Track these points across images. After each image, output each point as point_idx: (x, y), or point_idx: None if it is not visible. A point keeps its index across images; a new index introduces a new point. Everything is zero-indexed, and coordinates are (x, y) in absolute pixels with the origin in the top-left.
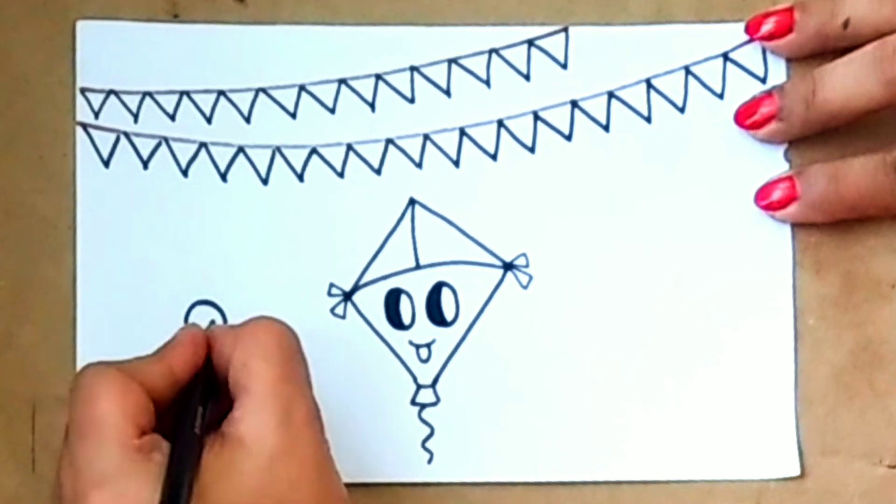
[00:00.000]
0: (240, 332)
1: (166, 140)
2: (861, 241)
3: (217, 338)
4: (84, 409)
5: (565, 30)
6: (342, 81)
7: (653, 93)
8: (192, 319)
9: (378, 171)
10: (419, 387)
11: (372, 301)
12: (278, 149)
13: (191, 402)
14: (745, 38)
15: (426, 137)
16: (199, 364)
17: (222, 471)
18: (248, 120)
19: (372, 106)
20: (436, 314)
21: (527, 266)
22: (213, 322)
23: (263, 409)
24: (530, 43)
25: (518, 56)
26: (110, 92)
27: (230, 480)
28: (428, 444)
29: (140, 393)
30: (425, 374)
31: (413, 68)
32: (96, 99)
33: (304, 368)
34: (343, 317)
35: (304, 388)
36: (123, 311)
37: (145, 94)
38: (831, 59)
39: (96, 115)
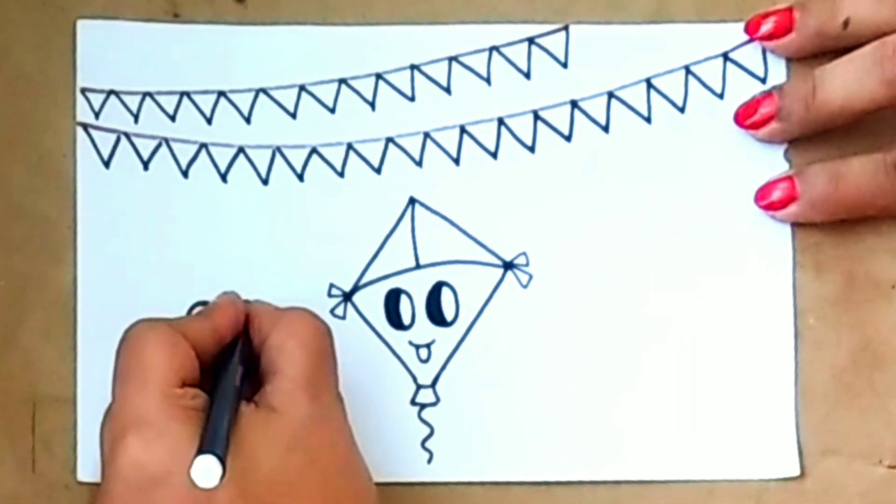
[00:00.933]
0: (280, 315)
1: (167, 140)
2: (861, 241)
3: (257, 314)
4: (130, 356)
5: (566, 28)
6: (342, 81)
7: (653, 92)
8: None
9: (378, 171)
10: (419, 387)
11: (372, 301)
12: (278, 149)
13: (231, 358)
14: (746, 37)
15: (426, 136)
16: (240, 327)
17: (258, 426)
18: (248, 120)
19: (372, 105)
20: (436, 314)
21: (527, 265)
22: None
23: (295, 388)
24: (531, 41)
25: (518, 54)
26: (111, 92)
27: (265, 436)
28: (428, 444)
29: (186, 347)
30: (425, 374)
31: (413, 67)
32: (97, 99)
33: (335, 366)
34: (343, 317)
35: (333, 380)
36: (123, 311)
37: (146, 94)
38: (831, 59)
39: (97, 115)
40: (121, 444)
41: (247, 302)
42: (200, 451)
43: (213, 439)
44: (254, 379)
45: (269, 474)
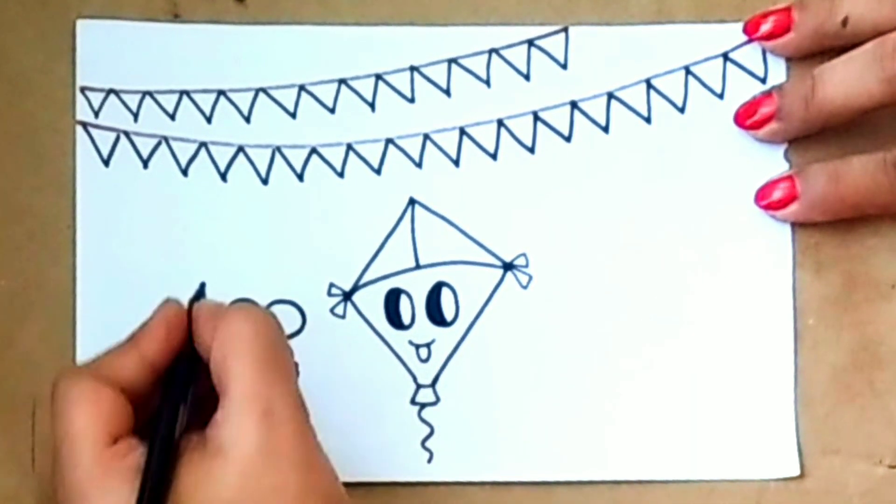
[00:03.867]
0: (218, 321)
1: (166, 139)
2: (861, 241)
3: (197, 320)
4: (58, 422)
5: (565, 30)
6: (342, 81)
7: (653, 93)
8: None
9: (378, 171)
10: (419, 386)
11: (372, 301)
12: (278, 149)
13: (165, 402)
14: (745, 38)
15: (426, 137)
16: (176, 346)
17: (200, 479)
18: (248, 120)
19: (372, 106)
20: (436, 314)
21: (527, 266)
22: (201, 295)
23: (242, 412)
24: (530, 43)
25: (518, 56)
26: (110, 91)
27: (208, 489)
28: (428, 444)
29: (111, 397)
30: (425, 373)
31: (413, 68)
32: (96, 98)
33: (285, 358)
34: (343, 317)
35: (285, 379)
36: (123, 310)
37: (145, 93)
38: (831, 58)
39: (96, 114)
40: None
41: (190, 303)
42: None
43: None
44: (207, 381)
45: None
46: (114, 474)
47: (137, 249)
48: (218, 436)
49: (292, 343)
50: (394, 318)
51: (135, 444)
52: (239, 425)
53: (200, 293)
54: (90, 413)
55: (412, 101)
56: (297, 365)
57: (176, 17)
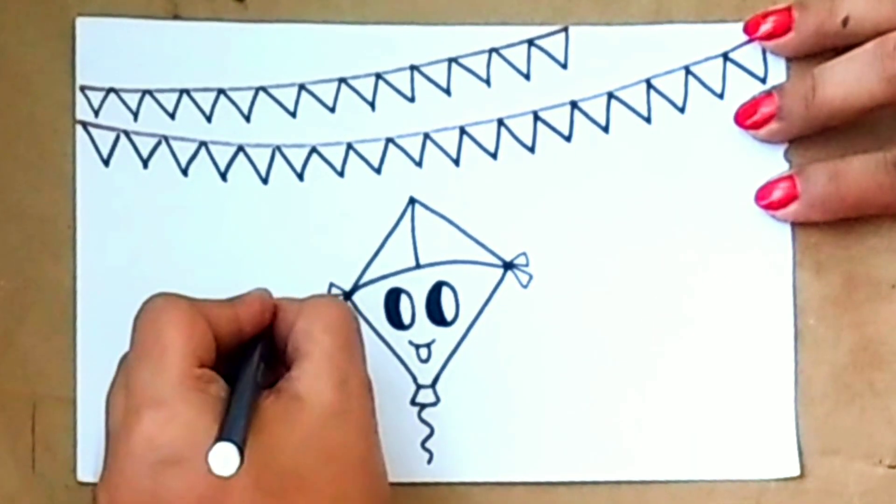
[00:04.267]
0: (304, 303)
1: (166, 139)
2: (861, 241)
3: (282, 306)
4: (148, 332)
5: (565, 30)
6: (342, 80)
7: (653, 93)
8: None
9: (378, 171)
10: (419, 387)
11: (372, 301)
12: (278, 148)
13: (253, 354)
14: (745, 38)
15: (426, 136)
16: (264, 324)
17: (278, 416)
18: (248, 119)
19: (372, 105)
20: (436, 314)
21: (527, 265)
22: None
23: (321, 372)
24: (530, 42)
25: (518, 55)
26: (110, 90)
27: (285, 427)
28: (428, 444)
29: (206, 328)
30: (425, 374)
31: (413, 67)
32: (96, 97)
33: (362, 346)
34: None
35: (361, 362)
36: (123, 310)
37: (145, 92)
38: (831, 58)
39: (96, 113)
40: (136, 422)
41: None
42: (220, 438)
43: (234, 428)
44: (275, 375)
45: (284, 466)
46: (196, 394)
47: (137, 249)
48: (294, 388)
49: None
50: (394, 318)
51: (216, 376)
52: (317, 381)
53: None
54: (186, 332)
55: (412, 100)
56: None
57: (176, 16)
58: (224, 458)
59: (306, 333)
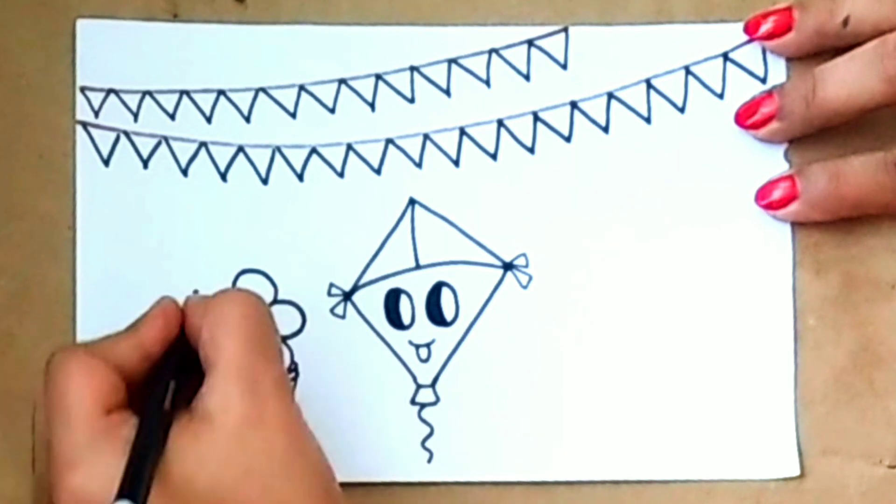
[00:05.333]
0: (208, 304)
1: (166, 139)
2: (861, 241)
3: (188, 311)
4: (52, 393)
5: (565, 30)
6: (342, 81)
7: (653, 93)
8: None
9: (378, 171)
10: (419, 386)
11: (372, 301)
12: (278, 148)
13: (160, 376)
14: (745, 38)
15: (426, 137)
16: (172, 337)
17: (188, 444)
18: (248, 120)
19: (372, 106)
20: (436, 314)
21: (526, 266)
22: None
23: (227, 382)
24: (530, 43)
25: (518, 56)
26: (110, 91)
27: (195, 453)
28: (428, 444)
29: (106, 372)
30: (425, 373)
31: (413, 68)
32: (96, 98)
33: (272, 339)
34: (343, 317)
35: (271, 358)
36: (123, 310)
37: (145, 93)
38: (831, 58)
39: (96, 114)
40: (59, 484)
41: (185, 300)
42: (119, 495)
43: (132, 481)
44: (198, 376)
45: (203, 493)
46: (106, 443)
47: (137, 249)
48: (204, 405)
49: (292, 343)
50: (394, 318)
51: (127, 417)
52: (225, 394)
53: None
54: (85, 384)
55: (412, 101)
56: (296, 365)
57: (175, 17)
58: None
59: (211, 341)
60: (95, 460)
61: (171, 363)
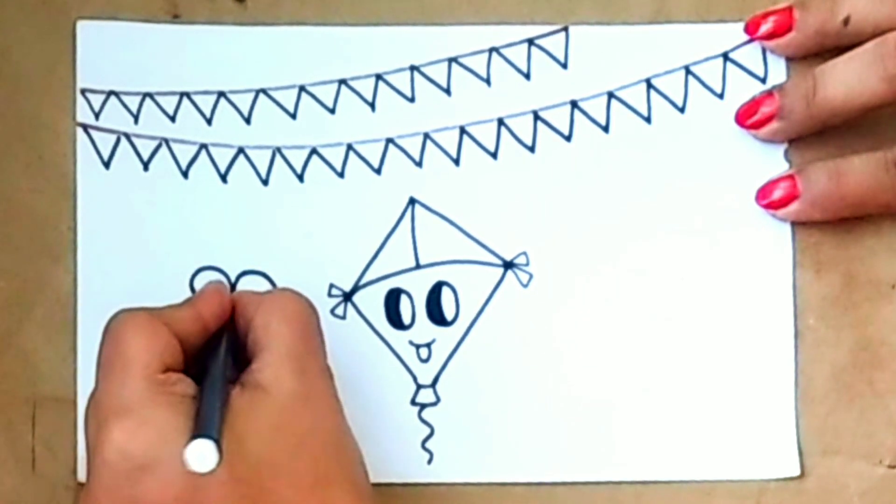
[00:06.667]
0: (263, 297)
1: (167, 141)
2: (861, 241)
3: (241, 300)
4: (111, 346)
5: (565, 29)
6: (342, 81)
7: (653, 93)
8: None
9: (378, 171)
10: (419, 387)
11: (372, 301)
12: (278, 149)
13: (219, 346)
14: (745, 37)
15: (426, 136)
16: (226, 316)
17: (245, 408)
18: (248, 121)
19: (372, 106)
20: (436, 314)
21: (527, 265)
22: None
23: (281, 362)
24: (530, 42)
25: (518, 55)
26: (110, 93)
27: (253, 417)
28: (428, 444)
29: (167, 333)
30: (425, 373)
31: (413, 67)
32: (97, 100)
33: (320, 338)
34: (343, 317)
35: (319, 352)
36: None
37: (145, 94)
38: (831, 58)
39: (97, 115)
40: (106, 433)
41: (232, 292)
42: (195, 435)
43: (208, 423)
44: (240, 367)
45: (258, 456)
46: (163, 399)
47: (138, 251)
48: (257, 379)
49: None
50: (394, 318)
51: (183, 377)
52: (277, 371)
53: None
54: (145, 341)
55: (412, 100)
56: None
57: (176, 18)
58: (201, 454)
59: (265, 326)
60: (149, 412)
61: (226, 336)
